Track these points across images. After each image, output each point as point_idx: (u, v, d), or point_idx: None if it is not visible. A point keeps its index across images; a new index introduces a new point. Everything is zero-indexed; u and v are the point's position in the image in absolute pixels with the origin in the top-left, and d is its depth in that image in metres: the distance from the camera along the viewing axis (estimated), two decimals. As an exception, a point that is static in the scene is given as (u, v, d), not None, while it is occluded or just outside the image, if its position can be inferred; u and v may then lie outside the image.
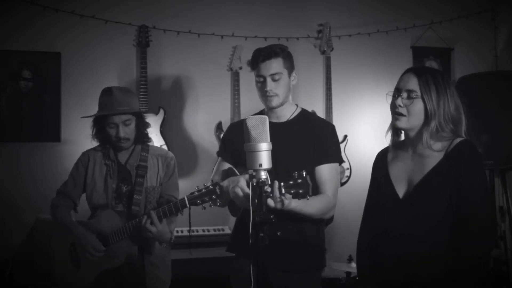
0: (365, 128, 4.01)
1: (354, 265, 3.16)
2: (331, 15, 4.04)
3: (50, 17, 3.55)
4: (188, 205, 2.21)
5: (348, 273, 3.19)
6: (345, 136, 3.95)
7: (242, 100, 3.76)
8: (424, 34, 4.19)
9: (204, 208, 2.17)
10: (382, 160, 2.01)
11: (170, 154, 2.61)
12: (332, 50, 3.97)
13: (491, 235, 1.79)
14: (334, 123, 3.88)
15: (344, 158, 3.87)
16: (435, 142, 1.82)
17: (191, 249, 3.34)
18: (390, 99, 1.89)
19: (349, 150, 3.91)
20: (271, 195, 1.72)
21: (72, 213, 2.60)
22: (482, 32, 4.35)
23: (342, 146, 3.88)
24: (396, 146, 1.97)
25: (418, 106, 1.81)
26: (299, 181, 1.66)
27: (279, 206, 1.78)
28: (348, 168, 3.87)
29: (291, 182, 1.67)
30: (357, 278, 3.17)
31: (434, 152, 1.82)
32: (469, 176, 1.75)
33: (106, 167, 2.50)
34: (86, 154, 2.57)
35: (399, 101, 1.83)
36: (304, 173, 1.66)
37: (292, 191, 1.69)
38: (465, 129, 1.86)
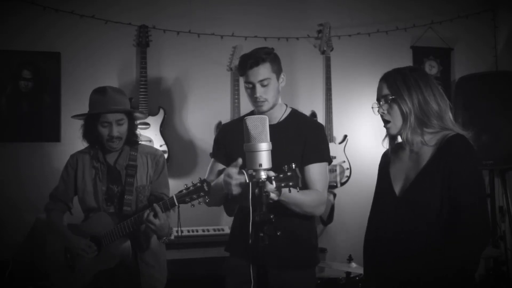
0: (365, 128, 4.01)
1: (354, 265, 3.16)
2: (331, 15, 4.04)
3: (50, 17, 3.56)
4: (177, 204, 2.20)
5: (348, 273, 3.19)
6: (345, 136, 3.95)
7: (242, 100, 3.76)
8: (424, 34, 4.20)
9: (193, 206, 2.17)
10: (384, 161, 2.03)
11: (159, 151, 2.60)
12: (332, 50, 3.97)
13: (481, 237, 1.72)
14: (334, 123, 3.91)
15: (344, 158, 3.87)
16: (429, 137, 1.83)
17: (191, 249, 3.34)
18: (375, 111, 1.95)
19: (349, 150, 3.91)
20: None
21: (67, 215, 2.59)
22: (482, 32, 4.36)
23: (342, 146, 3.89)
24: (397, 146, 1.99)
25: (395, 107, 1.85)
26: (288, 174, 1.67)
27: (276, 196, 1.78)
28: (348, 168, 3.87)
29: (281, 175, 1.68)
30: (357, 278, 3.17)
31: (428, 148, 1.83)
32: (458, 173, 1.73)
33: (95, 170, 2.48)
34: (74, 156, 2.55)
35: (380, 110, 1.90)
36: (293, 165, 1.67)
37: (283, 184, 1.70)
38: (451, 119, 1.85)
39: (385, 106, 1.87)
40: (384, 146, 2.01)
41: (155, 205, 2.24)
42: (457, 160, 1.74)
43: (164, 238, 2.38)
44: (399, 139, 1.97)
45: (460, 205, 1.71)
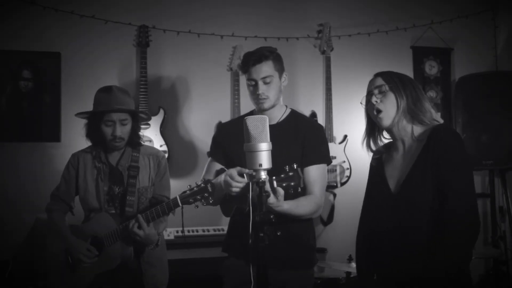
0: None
1: (354, 265, 3.16)
2: (331, 15, 4.04)
3: (50, 17, 3.56)
4: (180, 204, 2.20)
5: (348, 273, 3.19)
6: (345, 136, 3.94)
7: (242, 100, 3.76)
8: (424, 34, 4.20)
9: (197, 206, 2.17)
10: (377, 160, 2.03)
11: (161, 153, 2.59)
12: (332, 50, 3.97)
13: (472, 229, 1.72)
14: (334, 123, 3.91)
15: (344, 158, 3.88)
16: (419, 132, 1.86)
17: (192, 249, 3.34)
18: (363, 107, 1.97)
19: (349, 150, 3.91)
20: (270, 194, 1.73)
21: (69, 216, 2.59)
22: (482, 32, 4.36)
23: (342, 146, 3.89)
24: (389, 146, 2.00)
25: (390, 97, 1.87)
26: (290, 173, 1.67)
27: (271, 201, 1.79)
28: (348, 168, 3.87)
29: (282, 175, 1.68)
30: (356, 277, 3.18)
31: (419, 143, 1.84)
32: (446, 164, 1.74)
33: (97, 170, 2.47)
34: (76, 156, 2.55)
35: (374, 99, 1.89)
36: (295, 165, 1.68)
37: (284, 184, 1.70)
38: (434, 116, 1.89)
39: (379, 96, 1.89)
40: (364, 147, 2.02)
41: (138, 216, 2.25)
42: (445, 150, 1.75)
43: (151, 246, 2.38)
44: (384, 140, 1.98)
45: (448, 196, 1.71)
